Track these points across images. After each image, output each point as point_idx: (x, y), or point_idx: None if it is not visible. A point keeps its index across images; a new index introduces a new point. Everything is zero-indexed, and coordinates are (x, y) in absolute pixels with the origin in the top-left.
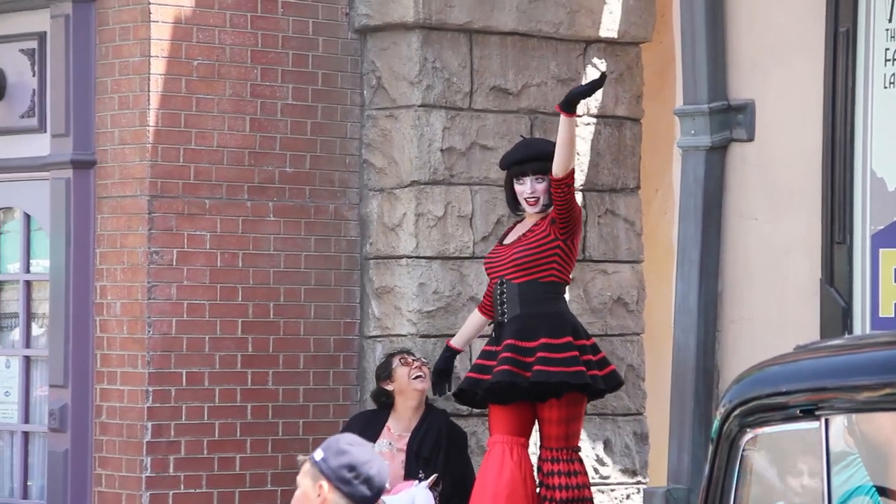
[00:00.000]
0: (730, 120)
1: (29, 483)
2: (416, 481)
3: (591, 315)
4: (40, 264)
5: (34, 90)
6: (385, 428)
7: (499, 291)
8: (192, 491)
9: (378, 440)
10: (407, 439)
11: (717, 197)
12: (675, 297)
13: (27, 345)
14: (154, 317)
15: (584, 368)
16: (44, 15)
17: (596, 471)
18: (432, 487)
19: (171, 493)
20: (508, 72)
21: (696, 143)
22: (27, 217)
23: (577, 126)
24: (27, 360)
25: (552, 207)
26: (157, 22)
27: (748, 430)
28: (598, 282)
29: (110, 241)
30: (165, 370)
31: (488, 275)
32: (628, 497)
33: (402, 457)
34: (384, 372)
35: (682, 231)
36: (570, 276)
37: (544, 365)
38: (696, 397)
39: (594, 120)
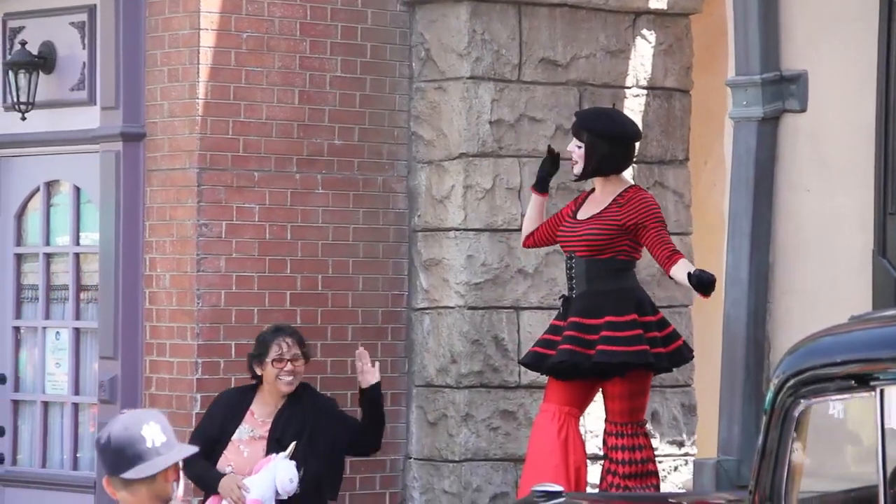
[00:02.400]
0: (782, 91)
1: (78, 455)
2: (274, 454)
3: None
4: (89, 237)
5: (84, 63)
6: (248, 413)
7: (568, 266)
8: None
9: (240, 426)
10: (269, 425)
11: (769, 168)
12: (725, 269)
13: (77, 317)
14: (203, 289)
15: (647, 347)
16: None
17: None
18: (293, 456)
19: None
20: (557, 43)
21: (748, 114)
22: (77, 190)
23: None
24: (77, 332)
25: (625, 188)
26: None
27: (802, 400)
28: (647, 254)
29: (159, 213)
30: (214, 342)
31: (561, 248)
32: (676, 469)
33: (263, 444)
34: (258, 354)
35: (733, 202)
36: (641, 253)
37: (607, 344)
38: (746, 369)
39: (644, 91)
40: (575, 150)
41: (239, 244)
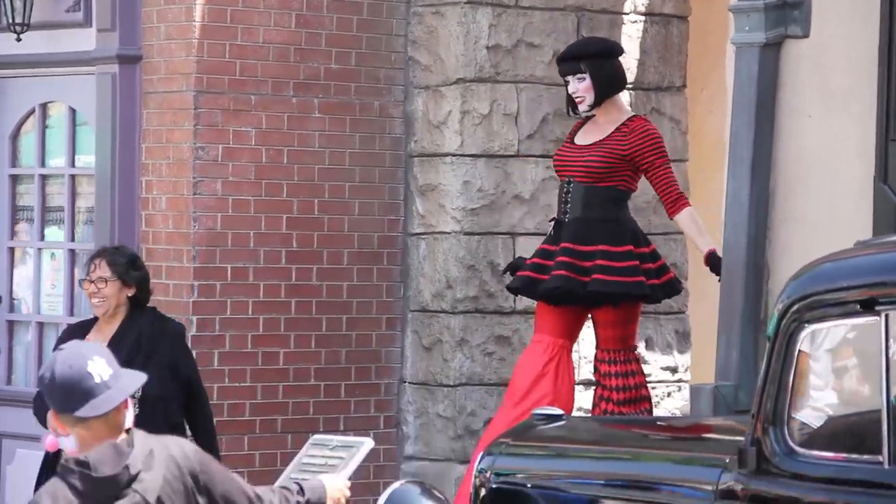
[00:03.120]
0: (785, 16)
1: None
2: None
3: (636, 213)
4: (85, 159)
5: None
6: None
7: (564, 190)
8: (237, 385)
9: None
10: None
11: (771, 94)
12: (725, 194)
13: (72, 238)
14: (199, 212)
15: (643, 279)
16: None
17: None
18: None
19: (215, 386)
20: None
21: (750, 40)
22: (72, 112)
23: None
24: (72, 254)
25: (629, 118)
26: None
27: (806, 325)
28: (643, 180)
29: (156, 136)
30: (210, 265)
31: (556, 172)
32: (669, 395)
33: None
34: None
35: (734, 128)
36: (637, 185)
37: (603, 274)
38: (745, 295)
39: (641, 18)
40: (579, 86)
41: (235, 168)
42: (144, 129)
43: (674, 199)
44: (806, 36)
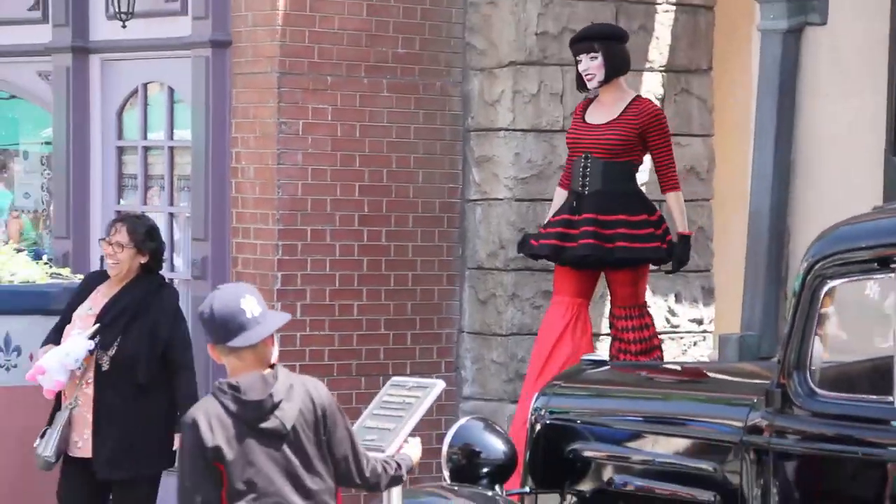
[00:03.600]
0: (805, 5)
1: None
2: (78, 331)
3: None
4: (181, 133)
5: None
6: (95, 291)
7: (582, 164)
8: (316, 333)
9: (83, 303)
10: (103, 304)
11: (792, 75)
12: (751, 165)
13: (171, 203)
14: (283, 180)
15: (660, 244)
16: None
17: (667, 320)
18: (92, 337)
19: (298, 334)
20: None
21: (773, 27)
22: (171, 91)
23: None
24: (171, 217)
25: (634, 98)
26: None
27: (828, 281)
28: (674, 152)
29: (244, 112)
30: (292, 227)
31: (570, 148)
32: (695, 344)
33: (92, 320)
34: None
35: (759, 106)
36: (643, 158)
37: (627, 241)
38: (768, 255)
39: (672, 7)
40: (591, 64)
41: (314, 141)
42: (234, 106)
43: (669, 180)
44: (824, 23)
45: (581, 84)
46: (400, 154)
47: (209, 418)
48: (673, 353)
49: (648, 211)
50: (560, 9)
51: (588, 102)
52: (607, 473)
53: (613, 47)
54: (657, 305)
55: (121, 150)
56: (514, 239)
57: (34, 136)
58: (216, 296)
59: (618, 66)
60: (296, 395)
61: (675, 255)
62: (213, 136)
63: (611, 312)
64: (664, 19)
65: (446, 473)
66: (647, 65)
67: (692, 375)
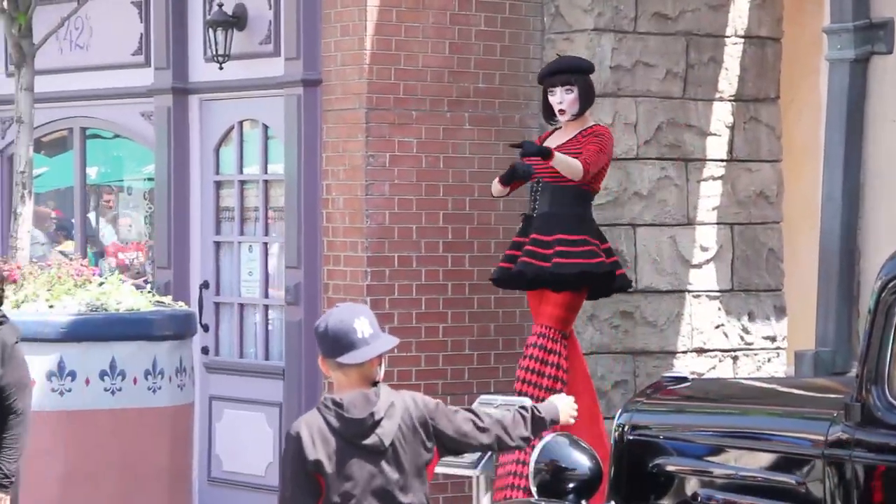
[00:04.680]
0: (871, 36)
1: (269, 347)
2: None
3: (738, 206)
4: (275, 167)
5: (270, 21)
6: None
7: (534, 189)
8: (404, 354)
9: None
10: None
11: (860, 103)
12: (821, 189)
13: (266, 233)
14: (371, 210)
15: (603, 259)
16: None
17: (741, 338)
18: None
19: (395, 340)
20: (668, 0)
21: (841, 56)
22: (265, 127)
23: (555, 162)
24: (265, 246)
25: (590, 125)
26: None
27: None
28: (744, 178)
29: (334, 147)
30: (380, 254)
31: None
32: (769, 360)
33: None
34: None
35: (828, 133)
36: (601, 186)
37: (563, 258)
38: (840, 274)
39: (741, 40)
40: (566, 97)
41: (400, 172)
42: (324, 141)
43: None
44: (890, 52)
45: (549, 115)
46: (482, 183)
47: (312, 432)
48: (748, 369)
49: (592, 234)
50: (633, 43)
51: (552, 133)
52: (690, 487)
53: (587, 81)
54: (731, 324)
55: (218, 185)
56: None
57: (137, 173)
58: (333, 313)
59: (590, 99)
60: (396, 412)
61: (526, 141)
62: (305, 169)
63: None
64: (733, 51)
65: (534, 489)
66: (717, 95)
67: (771, 390)
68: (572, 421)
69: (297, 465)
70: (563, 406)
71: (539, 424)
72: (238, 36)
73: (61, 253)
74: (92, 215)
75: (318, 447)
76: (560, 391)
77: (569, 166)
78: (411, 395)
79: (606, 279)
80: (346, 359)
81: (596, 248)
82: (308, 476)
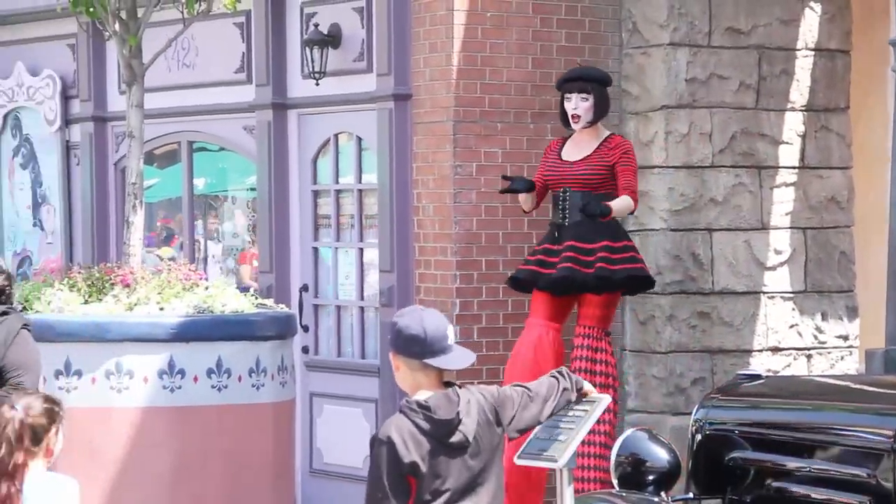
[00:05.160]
0: None
1: (364, 346)
2: None
3: (810, 211)
4: (368, 177)
5: (363, 39)
6: None
7: (561, 199)
8: (492, 353)
9: None
10: None
11: None
12: (888, 194)
13: (361, 240)
14: (459, 216)
15: (644, 265)
16: None
17: (815, 337)
18: None
19: (475, 355)
20: (740, 15)
21: None
22: (358, 140)
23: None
24: (360, 252)
25: (608, 135)
26: None
27: None
28: (815, 184)
29: (423, 157)
30: (469, 258)
31: (550, 185)
32: (842, 358)
33: None
34: None
35: (895, 139)
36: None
37: (607, 263)
38: None
39: (812, 52)
40: (581, 104)
41: (486, 181)
42: (415, 152)
43: (622, 189)
44: None
45: (566, 122)
46: None
47: (403, 435)
48: (821, 367)
49: (628, 238)
50: (707, 57)
51: (564, 140)
52: (765, 480)
53: (603, 91)
54: (804, 324)
55: (316, 194)
56: (670, 265)
57: (240, 184)
58: (425, 317)
59: (605, 109)
60: (473, 408)
61: (588, 204)
62: (397, 178)
63: (574, 334)
64: (804, 64)
65: (615, 481)
66: (789, 105)
67: (843, 387)
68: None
69: (391, 467)
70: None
71: (571, 380)
72: (333, 54)
73: (157, 257)
74: (199, 223)
75: (412, 449)
76: (611, 386)
77: (625, 209)
78: (477, 389)
79: (645, 282)
80: (439, 362)
81: (636, 254)
82: (402, 478)
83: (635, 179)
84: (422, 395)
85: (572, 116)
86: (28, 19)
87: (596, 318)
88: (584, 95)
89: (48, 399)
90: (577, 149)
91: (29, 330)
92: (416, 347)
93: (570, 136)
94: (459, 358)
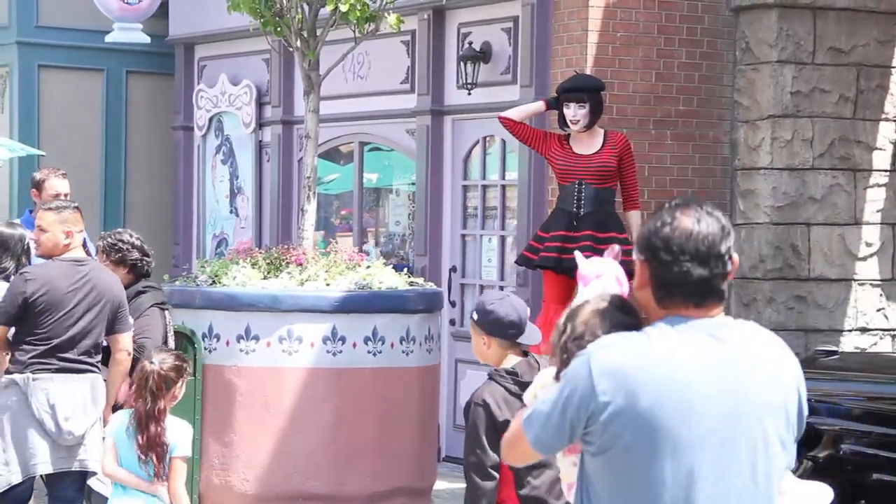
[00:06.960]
0: None
1: None
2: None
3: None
4: (511, 174)
5: (509, 56)
6: None
7: (576, 190)
8: None
9: None
10: None
11: None
12: None
13: (503, 228)
14: None
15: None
16: (517, 4)
17: (886, 318)
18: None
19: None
20: (842, 36)
21: None
22: (503, 142)
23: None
24: (502, 238)
25: (608, 132)
26: (593, 7)
27: None
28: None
29: None
30: None
31: (561, 176)
32: (894, 338)
33: None
34: None
35: None
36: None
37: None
38: None
39: None
40: (579, 111)
41: None
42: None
43: (634, 199)
44: None
45: (564, 124)
46: (680, 189)
47: (496, 398)
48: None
49: (625, 230)
50: (811, 73)
51: (566, 136)
52: (837, 443)
53: (598, 97)
54: (891, 308)
55: (465, 188)
56: (772, 255)
57: (402, 179)
58: (516, 304)
59: (599, 113)
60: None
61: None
62: (534, 176)
63: None
64: None
65: None
66: (883, 115)
67: None
68: None
69: (488, 426)
70: None
71: None
72: (484, 68)
73: (333, 242)
74: (367, 215)
75: (504, 410)
76: None
77: (637, 222)
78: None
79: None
80: (525, 339)
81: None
82: (497, 435)
83: (636, 176)
84: (508, 363)
85: (572, 121)
86: (230, 37)
87: None
88: (581, 104)
89: (178, 357)
90: (585, 145)
91: (163, 307)
92: (513, 330)
93: (568, 136)
94: (535, 333)
